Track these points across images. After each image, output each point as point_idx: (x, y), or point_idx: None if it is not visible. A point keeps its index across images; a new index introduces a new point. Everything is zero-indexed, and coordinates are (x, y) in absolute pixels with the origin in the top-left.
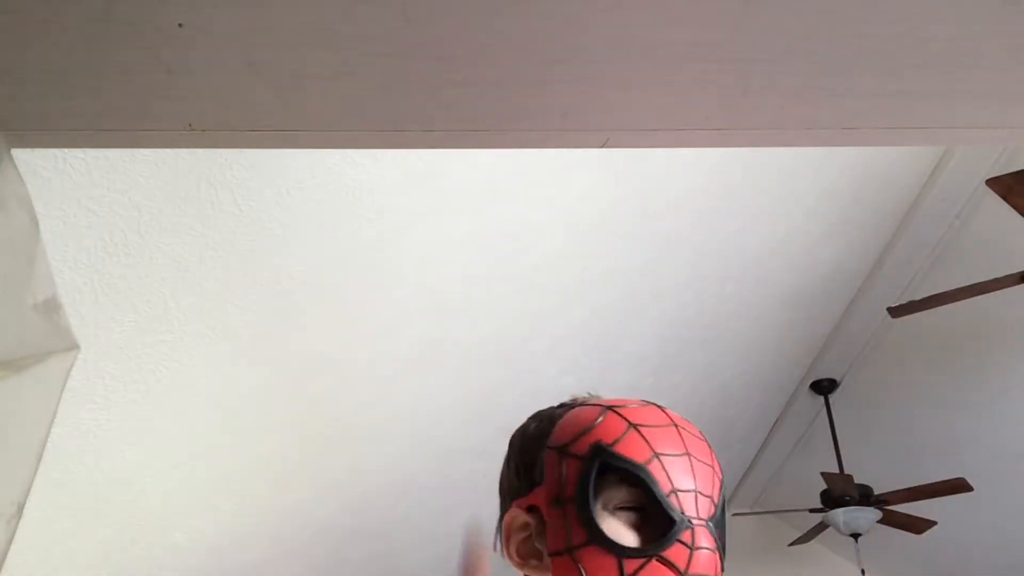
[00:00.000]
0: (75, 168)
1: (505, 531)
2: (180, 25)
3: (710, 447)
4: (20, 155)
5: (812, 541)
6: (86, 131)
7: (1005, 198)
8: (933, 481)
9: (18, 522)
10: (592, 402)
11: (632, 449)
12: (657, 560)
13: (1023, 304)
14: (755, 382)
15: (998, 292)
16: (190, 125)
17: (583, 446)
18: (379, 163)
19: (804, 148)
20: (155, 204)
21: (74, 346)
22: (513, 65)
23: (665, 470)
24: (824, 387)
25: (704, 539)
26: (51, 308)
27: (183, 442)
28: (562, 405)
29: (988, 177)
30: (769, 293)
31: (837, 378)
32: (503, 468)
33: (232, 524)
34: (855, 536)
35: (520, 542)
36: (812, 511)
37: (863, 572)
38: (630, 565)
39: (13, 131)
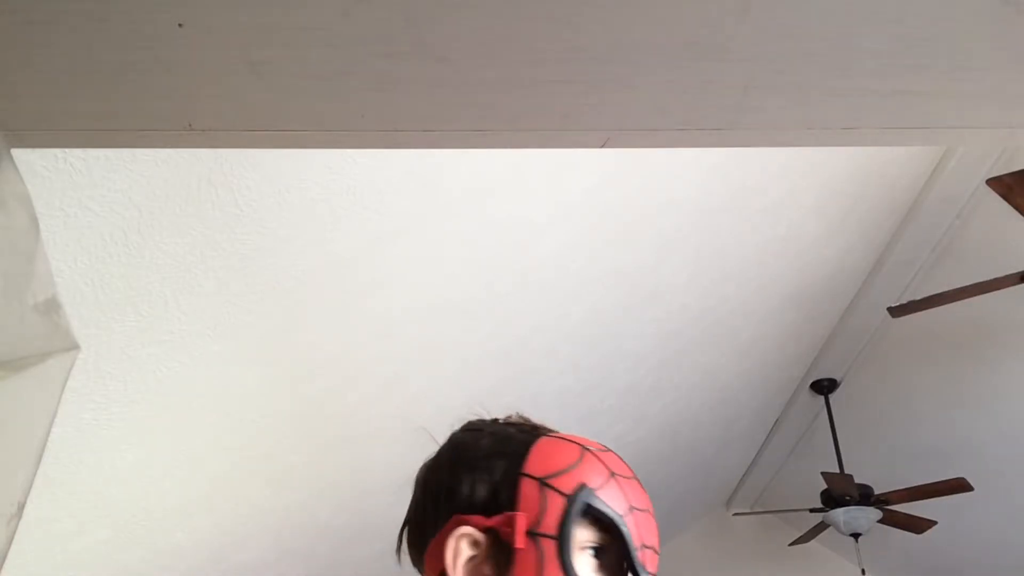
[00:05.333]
0: (75, 168)
1: (454, 544)
2: (180, 25)
3: None
4: (20, 155)
5: (812, 541)
6: (86, 131)
7: (1005, 198)
8: (933, 481)
9: (18, 522)
10: (555, 434)
11: (613, 498)
12: None
13: (1023, 304)
14: (755, 382)
15: (998, 292)
16: (190, 125)
17: (567, 484)
18: (379, 163)
19: (804, 148)
20: (155, 204)
21: (74, 346)
22: (513, 65)
23: (636, 524)
24: (824, 387)
25: None
26: (51, 308)
27: (183, 441)
28: (499, 421)
29: (988, 177)
30: (769, 293)
31: (837, 378)
32: (439, 471)
33: (232, 524)
34: (855, 536)
35: (467, 560)
36: (812, 511)
37: (863, 572)
38: None
39: (13, 131)
